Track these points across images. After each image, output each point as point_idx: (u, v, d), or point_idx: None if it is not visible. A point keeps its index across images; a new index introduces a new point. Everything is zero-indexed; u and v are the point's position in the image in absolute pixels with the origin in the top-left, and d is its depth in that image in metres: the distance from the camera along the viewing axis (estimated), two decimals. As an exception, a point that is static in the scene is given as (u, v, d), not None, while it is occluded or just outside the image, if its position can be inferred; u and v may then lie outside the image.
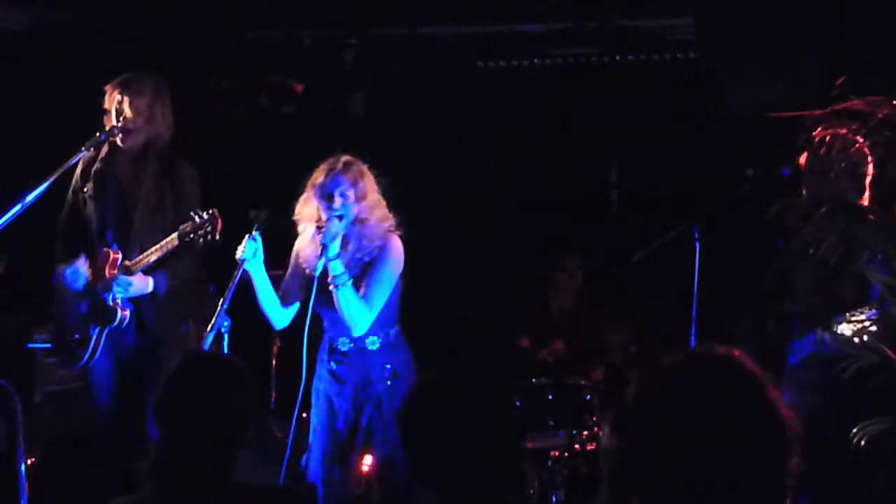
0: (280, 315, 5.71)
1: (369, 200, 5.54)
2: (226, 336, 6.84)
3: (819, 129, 5.79)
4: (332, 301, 5.48)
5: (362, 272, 5.52)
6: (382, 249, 5.54)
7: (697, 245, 6.12)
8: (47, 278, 6.24)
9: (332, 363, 5.66)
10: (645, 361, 7.53)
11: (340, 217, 5.45)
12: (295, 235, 5.80)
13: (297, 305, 5.72)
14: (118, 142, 5.98)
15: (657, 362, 2.37)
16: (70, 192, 6.14)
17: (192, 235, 5.64)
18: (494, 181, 8.63)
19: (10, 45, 8.06)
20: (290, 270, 5.76)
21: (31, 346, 7.31)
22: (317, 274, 5.41)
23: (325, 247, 5.40)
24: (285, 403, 7.82)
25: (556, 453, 7.18)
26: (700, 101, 7.60)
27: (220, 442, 3.30)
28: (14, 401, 6.43)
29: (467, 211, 8.50)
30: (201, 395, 3.32)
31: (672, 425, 2.27)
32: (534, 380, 7.42)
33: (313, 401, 5.73)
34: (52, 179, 5.50)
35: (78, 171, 6.11)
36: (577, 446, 7.20)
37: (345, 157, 5.57)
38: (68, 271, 6.00)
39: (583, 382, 7.41)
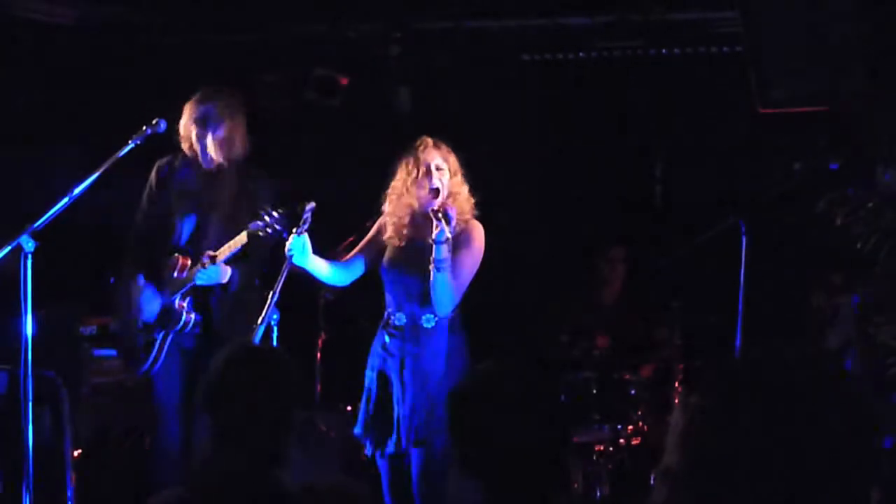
0: (342, 283, 5.93)
1: (458, 177, 5.76)
2: (275, 329, 6.88)
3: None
4: (405, 274, 5.68)
5: (452, 247, 5.65)
6: (470, 233, 5.72)
7: (744, 239, 6.09)
8: (94, 271, 6.30)
9: (386, 336, 5.78)
10: (693, 358, 7.49)
11: (439, 191, 5.65)
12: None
13: (359, 272, 5.90)
14: (200, 162, 6.15)
15: (730, 362, 2.18)
16: (145, 200, 6.31)
17: (260, 233, 5.72)
18: (539, 175, 8.61)
19: (59, 40, 8.11)
20: (366, 241, 5.93)
21: (98, 353, 7.40)
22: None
23: (440, 229, 5.47)
24: (330, 397, 7.88)
25: (601, 448, 7.18)
26: (746, 93, 7.54)
27: (267, 432, 3.30)
28: (62, 392, 6.49)
29: (511, 204, 8.49)
30: (246, 385, 3.32)
31: (769, 431, 2.01)
32: (579, 374, 7.41)
33: (368, 377, 5.84)
34: (99, 172, 5.53)
35: (153, 179, 6.29)
36: (621, 441, 7.19)
37: (430, 138, 5.77)
38: (146, 295, 6.16)
39: (627, 377, 7.40)
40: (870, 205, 5.66)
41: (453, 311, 5.73)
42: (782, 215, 6.40)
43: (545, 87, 8.59)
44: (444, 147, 5.76)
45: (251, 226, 5.76)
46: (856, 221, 5.68)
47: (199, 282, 6.03)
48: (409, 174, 5.72)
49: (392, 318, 5.77)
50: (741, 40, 7.27)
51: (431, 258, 5.52)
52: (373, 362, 5.81)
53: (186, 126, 6.11)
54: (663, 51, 8.17)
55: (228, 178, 6.18)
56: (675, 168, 8.70)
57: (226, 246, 5.94)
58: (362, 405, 5.81)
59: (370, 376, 5.80)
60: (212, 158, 6.13)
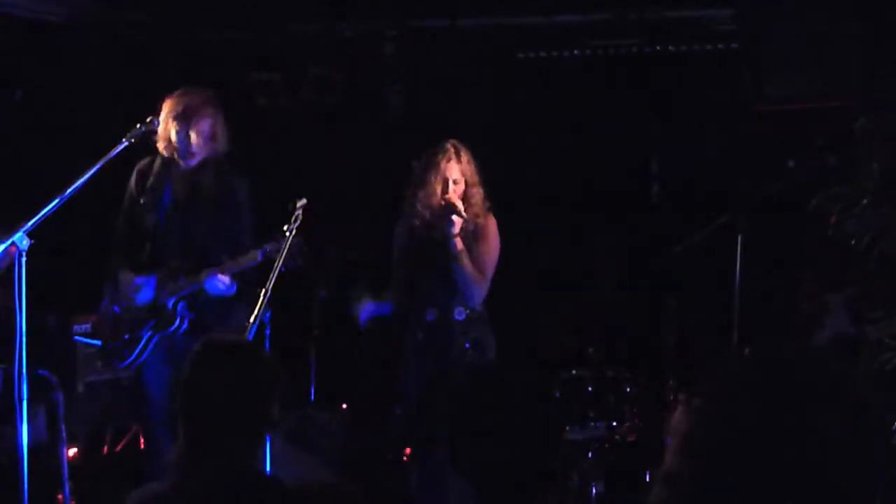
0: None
1: (472, 181, 6.03)
2: (268, 327, 6.89)
3: (861, 119, 5.75)
4: (433, 272, 5.97)
5: (470, 241, 5.99)
6: (487, 227, 6.07)
7: (739, 237, 6.09)
8: (87, 270, 6.29)
9: (419, 333, 6.04)
10: (688, 356, 7.49)
11: (454, 196, 5.94)
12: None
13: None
14: (179, 161, 6.14)
15: (727, 362, 2.16)
16: (126, 201, 6.30)
17: (273, 254, 5.68)
18: (534, 173, 8.60)
19: (50, 38, 8.10)
20: (400, 252, 6.23)
21: (79, 340, 7.38)
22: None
23: (450, 223, 5.86)
24: (325, 395, 7.88)
25: (596, 445, 7.17)
26: (741, 91, 7.55)
27: (242, 427, 3.27)
28: (56, 391, 6.48)
29: (506, 202, 8.49)
30: (216, 380, 3.30)
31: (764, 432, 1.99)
32: (574, 371, 7.40)
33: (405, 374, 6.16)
34: (92, 172, 5.52)
35: (133, 181, 6.28)
36: (616, 438, 7.19)
37: (453, 142, 6.03)
38: (137, 282, 6.13)
39: (622, 374, 7.39)
40: (864, 202, 5.66)
41: (481, 304, 6.05)
42: (777, 213, 6.39)
43: (540, 86, 8.59)
44: (464, 157, 6.01)
45: (266, 247, 5.72)
46: (849, 219, 5.68)
47: (208, 288, 5.99)
48: (429, 181, 5.98)
49: (424, 314, 6.02)
50: (737, 38, 7.29)
51: (452, 252, 5.89)
52: (408, 360, 6.09)
53: (165, 123, 6.08)
54: (658, 48, 8.18)
55: (206, 176, 6.17)
56: (670, 166, 8.70)
57: (235, 261, 5.90)
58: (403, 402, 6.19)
59: (406, 374, 6.11)
60: (192, 153, 6.11)
